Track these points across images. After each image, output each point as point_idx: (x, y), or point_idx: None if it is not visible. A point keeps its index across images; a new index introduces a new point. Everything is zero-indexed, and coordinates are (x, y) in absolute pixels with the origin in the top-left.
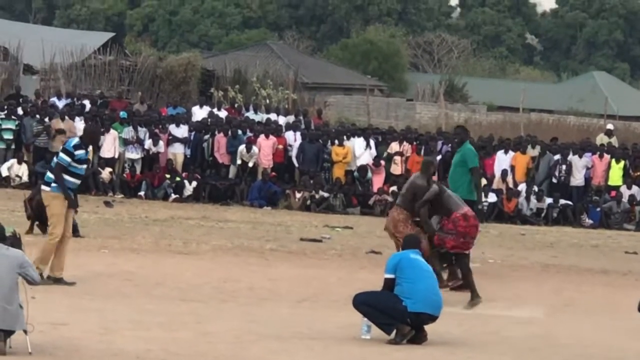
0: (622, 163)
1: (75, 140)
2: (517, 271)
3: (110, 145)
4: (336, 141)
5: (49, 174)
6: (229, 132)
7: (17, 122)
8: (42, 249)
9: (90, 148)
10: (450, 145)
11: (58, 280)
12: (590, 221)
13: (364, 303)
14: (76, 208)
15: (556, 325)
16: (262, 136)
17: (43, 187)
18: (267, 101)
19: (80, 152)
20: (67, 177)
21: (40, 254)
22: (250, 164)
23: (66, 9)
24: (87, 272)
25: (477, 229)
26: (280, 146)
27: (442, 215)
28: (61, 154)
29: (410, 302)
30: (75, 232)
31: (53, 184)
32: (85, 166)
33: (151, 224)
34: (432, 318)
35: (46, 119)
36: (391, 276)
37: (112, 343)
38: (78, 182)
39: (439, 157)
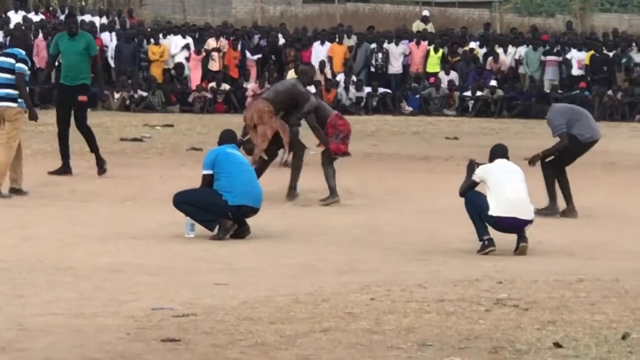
0: (440, 52)
1: (18, 50)
2: (338, 161)
3: None
4: (152, 40)
5: (10, 91)
6: (49, 36)
7: None
8: (3, 164)
9: None
10: (266, 39)
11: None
12: (410, 108)
13: (184, 202)
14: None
15: (379, 214)
16: None
17: (7, 103)
18: (83, 3)
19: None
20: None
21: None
22: None
23: None
24: None
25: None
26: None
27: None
28: (20, 65)
29: (230, 195)
30: None
31: (20, 100)
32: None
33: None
34: (254, 210)
35: None
36: (209, 172)
37: None
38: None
39: (258, 56)
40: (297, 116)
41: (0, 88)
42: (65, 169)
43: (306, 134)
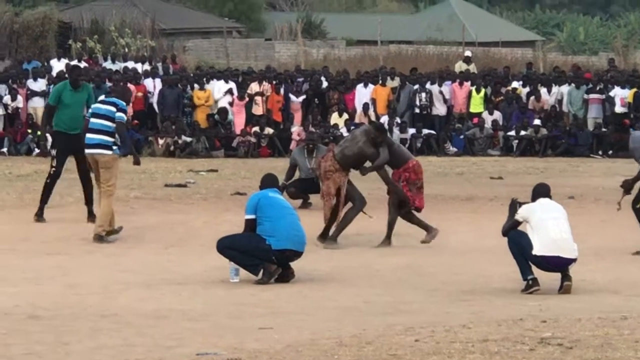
0: (482, 92)
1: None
2: (382, 203)
3: None
4: (196, 85)
5: (106, 138)
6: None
7: None
8: (106, 211)
9: None
10: (310, 82)
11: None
12: (454, 149)
13: (228, 247)
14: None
15: (423, 255)
16: (121, 85)
17: (103, 151)
18: (126, 50)
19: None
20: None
21: (104, 215)
22: None
23: None
24: None
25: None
26: (140, 94)
27: (393, 167)
28: (120, 114)
29: (273, 240)
30: None
31: (115, 147)
32: None
33: (15, 179)
34: (297, 254)
35: None
36: (252, 216)
37: None
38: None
39: (302, 98)
40: (362, 172)
41: (95, 134)
42: (43, 213)
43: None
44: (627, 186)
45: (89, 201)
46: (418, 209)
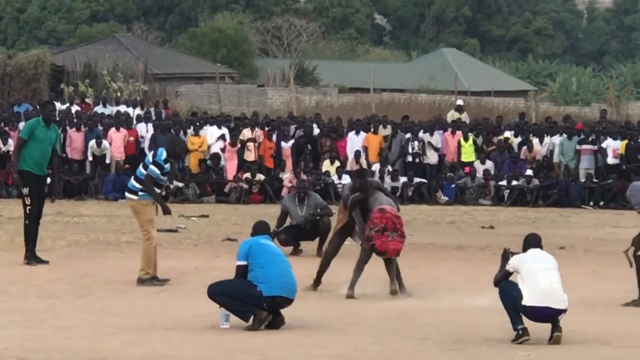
0: (470, 139)
1: (164, 153)
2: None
3: None
4: (190, 130)
5: (134, 183)
6: (82, 127)
7: None
8: (145, 254)
9: None
10: (302, 129)
11: (156, 279)
12: (446, 198)
13: (219, 292)
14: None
15: (414, 304)
16: (113, 129)
17: (130, 195)
18: (119, 94)
19: (167, 166)
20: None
21: (145, 259)
22: (108, 160)
23: None
24: None
25: (393, 222)
26: (132, 138)
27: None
28: (152, 166)
29: (264, 286)
30: None
31: (141, 192)
32: (166, 177)
33: (6, 222)
34: (288, 301)
35: None
36: (243, 263)
37: None
38: (159, 191)
39: (291, 142)
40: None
41: (132, 179)
42: (33, 255)
43: None
44: (637, 242)
45: (32, 243)
46: (379, 252)
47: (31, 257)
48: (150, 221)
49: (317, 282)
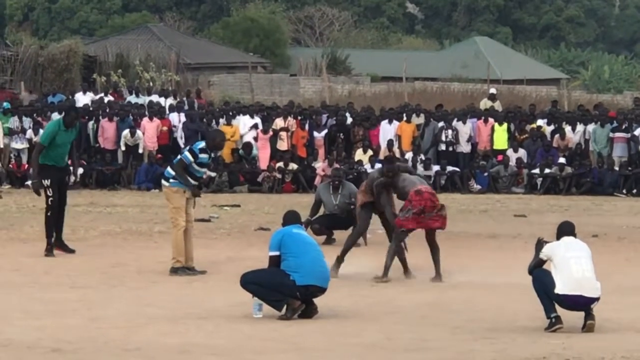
0: (504, 126)
1: (203, 143)
2: (406, 240)
3: None
4: (223, 120)
5: (169, 169)
6: (114, 117)
7: None
8: (173, 242)
9: None
10: (335, 118)
11: (191, 270)
12: (479, 186)
13: (252, 282)
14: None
15: (447, 292)
16: (146, 119)
17: (163, 182)
18: (151, 84)
19: (203, 156)
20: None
21: (174, 247)
22: (141, 150)
23: None
24: None
25: (432, 201)
26: (165, 128)
27: (402, 199)
28: (186, 152)
29: (297, 275)
30: None
31: (172, 179)
32: (205, 170)
33: (39, 212)
34: (321, 290)
35: None
36: (276, 253)
37: (2, 333)
38: (195, 183)
39: (324, 132)
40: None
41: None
42: (53, 248)
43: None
44: None
45: (52, 234)
46: (400, 227)
47: (51, 250)
48: (178, 209)
49: (340, 260)
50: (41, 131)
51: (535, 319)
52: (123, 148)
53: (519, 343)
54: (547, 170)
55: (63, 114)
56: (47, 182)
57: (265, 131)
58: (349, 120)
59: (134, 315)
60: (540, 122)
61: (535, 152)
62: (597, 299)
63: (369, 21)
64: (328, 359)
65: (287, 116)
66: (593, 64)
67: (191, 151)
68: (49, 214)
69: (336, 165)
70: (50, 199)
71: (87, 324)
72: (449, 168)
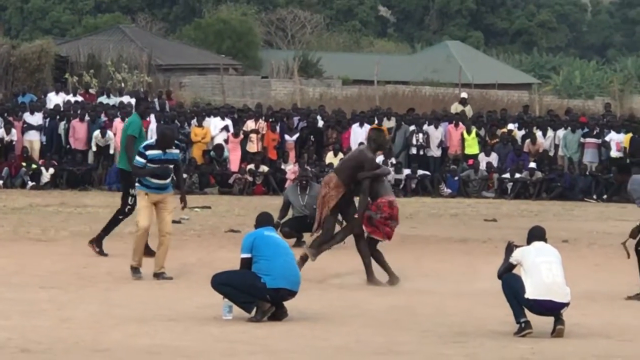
0: (473, 134)
1: (148, 142)
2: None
3: None
4: (195, 122)
5: None
6: (85, 117)
7: None
8: (133, 243)
9: None
10: (306, 121)
11: (157, 275)
12: (449, 190)
13: (223, 283)
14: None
15: (417, 296)
16: (118, 120)
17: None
18: (123, 85)
19: (152, 152)
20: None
21: (133, 248)
22: (112, 151)
23: None
24: None
25: (396, 212)
26: None
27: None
28: (136, 157)
29: (268, 278)
30: None
31: (137, 183)
32: (167, 165)
33: (9, 212)
34: (292, 293)
35: None
36: (247, 255)
37: None
38: (162, 181)
39: (296, 136)
40: (360, 174)
41: None
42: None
43: None
44: (635, 233)
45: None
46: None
47: (99, 241)
48: (140, 210)
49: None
50: (13, 130)
51: (504, 323)
52: (94, 148)
53: (489, 347)
54: (517, 175)
55: (134, 106)
56: (133, 191)
57: (236, 134)
58: (320, 123)
59: (103, 316)
60: (511, 126)
61: (505, 156)
62: (567, 304)
63: (341, 24)
64: None
65: (258, 118)
66: (564, 69)
67: (139, 153)
68: (120, 217)
69: (306, 167)
70: (129, 207)
71: (56, 324)
72: (420, 172)
